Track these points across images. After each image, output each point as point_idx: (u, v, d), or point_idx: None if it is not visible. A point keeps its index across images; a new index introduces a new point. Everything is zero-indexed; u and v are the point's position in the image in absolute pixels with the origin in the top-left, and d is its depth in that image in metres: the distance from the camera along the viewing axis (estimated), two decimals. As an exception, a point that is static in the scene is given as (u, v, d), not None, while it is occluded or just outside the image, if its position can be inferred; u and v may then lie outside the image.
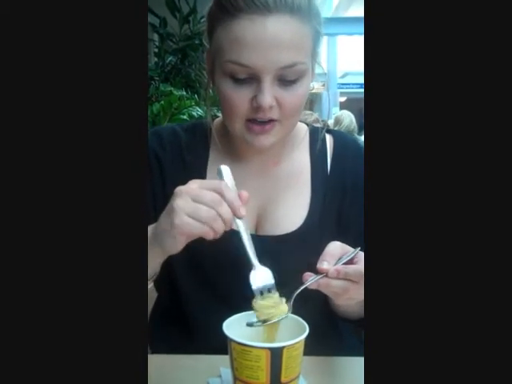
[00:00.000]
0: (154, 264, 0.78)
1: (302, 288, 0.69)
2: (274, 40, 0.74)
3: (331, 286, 0.68)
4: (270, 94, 0.77)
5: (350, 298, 0.70)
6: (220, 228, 0.66)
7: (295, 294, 0.69)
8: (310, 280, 0.68)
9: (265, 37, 0.74)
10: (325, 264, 0.68)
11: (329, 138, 0.96)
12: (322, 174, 0.93)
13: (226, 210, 0.66)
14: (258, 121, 0.79)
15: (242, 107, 0.78)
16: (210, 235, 0.67)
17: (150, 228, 0.73)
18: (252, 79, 0.77)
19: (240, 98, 0.78)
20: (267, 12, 0.74)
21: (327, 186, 0.92)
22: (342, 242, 0.72)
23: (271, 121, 0.80)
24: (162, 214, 0.70)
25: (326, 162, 0.94)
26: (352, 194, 0.92)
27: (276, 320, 0.68)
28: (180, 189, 0.67)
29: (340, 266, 0.68)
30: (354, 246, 0.71)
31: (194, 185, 0.68)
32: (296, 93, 0.79)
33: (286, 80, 0.78)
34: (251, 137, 0.81)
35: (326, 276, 0.67)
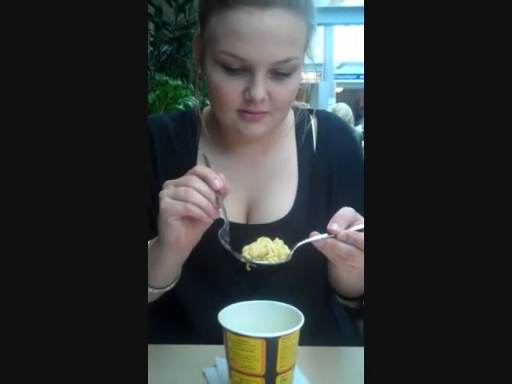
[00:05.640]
0: (170, 267, 0.80)
1: (307, 241, 0.69)
2: (271, 34, 0.74)
3: (337, 248, 0.68)
4: (262, 88, 0.76)
5: (352, 265, 0.70)
6: (202, 203, 0.69)
7: (298, 245, 0.70)
8: (317, 236, 0.68)
9: (262, 30, 0.73)
10: (335, 226, 0.68)
11: (313, 119, 0.97)
12: (308, 154, 0.94)
13: (199, 185, 0.70)
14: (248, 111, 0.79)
15: (234, 98, 0.78)
16: (197, 213, 0.69)
17: (152, 242, 0.78)
18: (245, 71, 0.76)
19: (232, 89, 0.77)
20: (265, 5, 0.73)
21: (314, 166, 0.93)
22: None
23: (262, 112, 0.80)
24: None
25: (312, 142, 0.95)
26: (340, 174, 0.92)
27: (274, 263, 0.70)
28: (166, 182, 0.73)
29: (351, 231, 0.68)
30: None
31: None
32: (288, 87, 0.79)
33: (278, 73, 0.77)
34: (243, 125, 0.81)
35: (335, 238, 0.68)
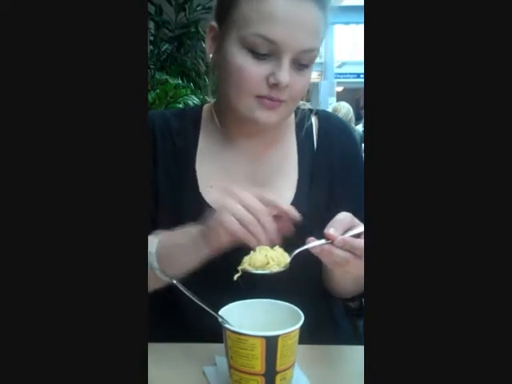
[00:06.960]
0: (196, 260, 0.78)
1: (304, 248, 0.69)
2: (303, 22, 0.77)
3: (334, 255, 0.68)
4: (288, 73, 0.79)
5: (348, 271, 0.70)
6: (260, 235, 0.69)
7: (296, 252, 0.70)
8: (315, 243, 0.68)
9: (296, 17, 0.77)
10: (332, 230, 0.68)
11: (314, 118, 0.98)
12: (308, 151, 0.94)
13: (267, 220, 0.69)
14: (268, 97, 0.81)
15: (257, 83, 0.79)
16: (251, 241, 0.69)
17: (197, 228, 0.76)
18: (271, 56, 0.78)
19: (257, 73, 0.79)
20: None
21: (314, 163, 0.93)
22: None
23: (280, 100, 0.81)
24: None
25: (312, 140, 0.95)
26: (341, 173, 0.93)
27: (276, 271, 0.69)
28: (233, 191, 0.71)
29: (347, 236, 0.67)
30: None
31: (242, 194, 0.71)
32: (305, 77, 0.82)
33: (300, 64, 0.80)
34: (259, 112, 0.82)
35: (331, 243, 0.67)
